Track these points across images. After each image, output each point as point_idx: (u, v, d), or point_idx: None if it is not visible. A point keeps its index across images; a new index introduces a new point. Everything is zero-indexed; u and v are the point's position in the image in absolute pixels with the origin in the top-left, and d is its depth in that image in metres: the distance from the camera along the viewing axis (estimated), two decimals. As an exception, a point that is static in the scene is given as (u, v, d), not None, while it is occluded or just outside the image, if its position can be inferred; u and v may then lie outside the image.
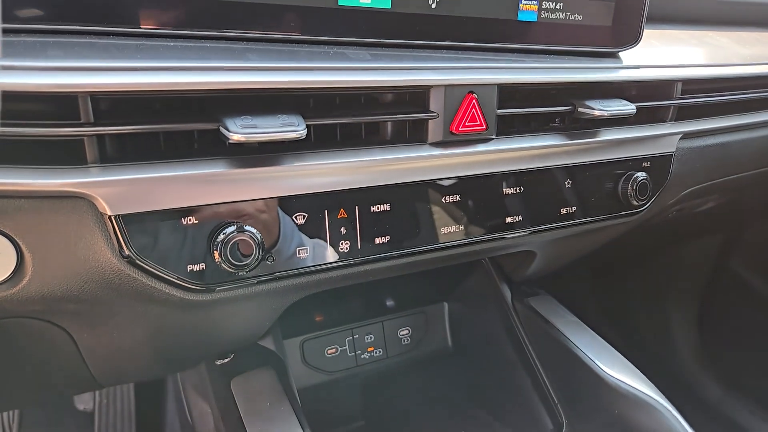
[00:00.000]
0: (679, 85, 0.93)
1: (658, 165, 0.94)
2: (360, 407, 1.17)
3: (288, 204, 0.66)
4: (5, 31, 0.53)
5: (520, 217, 0.83)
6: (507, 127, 0.79)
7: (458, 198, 0.77)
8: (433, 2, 0.71)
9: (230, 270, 0.63)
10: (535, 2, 0.77)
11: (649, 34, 0.93)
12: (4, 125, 0.51)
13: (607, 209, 0.91)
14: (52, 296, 0.62)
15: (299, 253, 0.68)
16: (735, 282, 1.76)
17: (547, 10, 0.78)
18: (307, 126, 0.61)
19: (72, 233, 0.58)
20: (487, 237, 0.81)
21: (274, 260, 0.67)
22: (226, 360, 0.91)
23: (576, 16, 0.81)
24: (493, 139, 0.76)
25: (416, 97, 0.71)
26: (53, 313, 0.68)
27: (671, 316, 1.87)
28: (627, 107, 0.82)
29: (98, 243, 0.59)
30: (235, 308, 0.76)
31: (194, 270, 0.63)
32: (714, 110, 1.00)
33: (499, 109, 0.75)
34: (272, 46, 0.65)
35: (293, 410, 0.82)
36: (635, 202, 0.90)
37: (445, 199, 0.76)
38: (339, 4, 0.66)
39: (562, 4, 0.79)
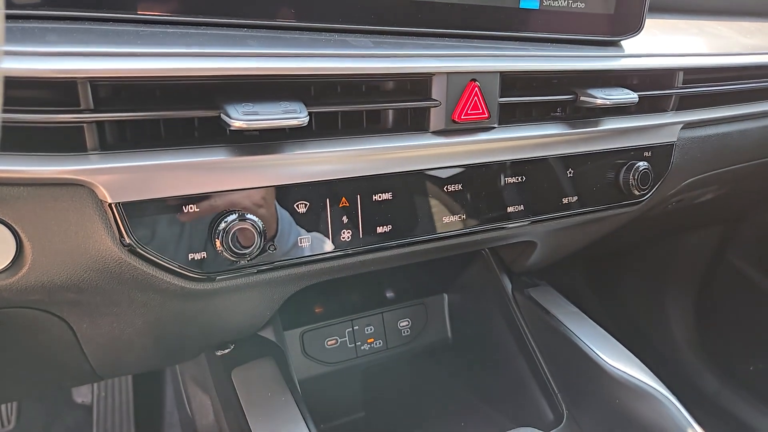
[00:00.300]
0: (681, 74, 0.92)
1: (660, 155, 0.94)
2: (360, 398, 1.17)
3: (289, 192, 0.66)
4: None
5: (522, 207, 0.83)
6: (509, 116, 0.79)
7: (460, 187, 0.76)
8: (436, -11, 0.70)
9: (232, 259, 0.63)
10: (538, -10, 0.76)
11: (650, 23, 0.92)
12: (3, 112, 0.50)
13: (608, 199, 0.91)
14: (52, 285, 0.61)
15: (301, 242, 0.68)
16: (733, 274, 1.77)
17: (549, -3, 0.78)
18: (309, 113, 0.61)
19: (72, 221, 0.57)
20: (488, 226, 0.81)
21: (275, 249, 0.66)
22: (226, 351, 0.91)
23: (578, 4, 0.80)
24: (495, 127, 0.76)
25: (418, 84, 0.71)
26: (53, 303, 0.68)
27: (669, 307, 1.88)
28: (629, 96, 0.82)
29: (98, 231, 0.58)
30: (235, 298, 0.75)
31: (195, 258, 0.62)
32: (715, 100, 1.00)
33: (501, 97, 0.74)
34: (273, 33, 0.64)
35: (294, 400, 0.81)
36: (636, 192, 0.90)
37: (446, 188, 0.76)
38: (341, -10, 0.65)
39: (564, -9, 0.79)
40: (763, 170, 1.22)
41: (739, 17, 1.23)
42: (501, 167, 0.79)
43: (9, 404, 1.56)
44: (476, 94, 0.72)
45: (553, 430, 0.95)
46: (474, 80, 0.71)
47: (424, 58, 0.68)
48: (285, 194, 0.66)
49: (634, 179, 0.89)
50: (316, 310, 1.15)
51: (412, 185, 0.73)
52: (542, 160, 0.82)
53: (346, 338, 1.16)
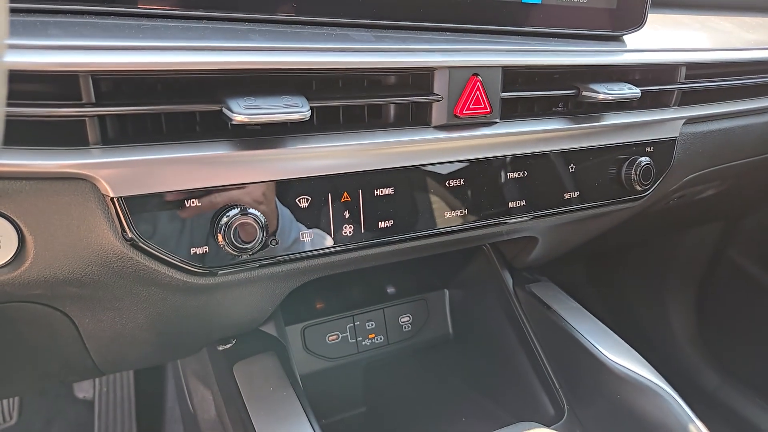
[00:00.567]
0: (683, 69, 0.92)
1: (662, 150, 0.94)
2: (361, 393, 1.18)
3: (291, 187, 0.66)
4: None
5: (523, 202, 0.83)
6: (511, 111, 0.79)
7: (462, 182, 0.76)
8: (438, -17, 0.70)
9: (234, 253, 0.63)
10: (540, -16, 0.76)
11: (652, 18, 0.92)
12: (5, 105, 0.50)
13: (610, 194, 0.91)
14: (55, 280, 0.61)
15: (302, 237, 0.68)
16: (733, 270, 1.77)
17: (551, -8, 0.77)
18: (311, 108, 0.61)
19: (74, 215, 0.57)
20: (490, 221, 0.81)
21: (277, 244, 0.66)
22: (228, 345, 0.91)
23: (581, -2, 0.80)
24: (497, 122, 0.76)
25: (420, 79, 0.70)
26: (55, 298, 0.68)
27: (669, 303, 1.88)
28: (632, 91, 0.81)
29: (101, 225, 0.58)
30: (237, 293, 0.75)
31: (197, 253, 0.62)
32: (717, 95, 1.00)
33: (503, 92, 0.74)
34: (275, 27, 0.64)
35: (296, 395, 0.82)
36: (638, 187, 0.90)
37: (448, 183, 0.76)
38: (342, -16, 0.65)
39: (566, -14, 0.78)
40: (765, 166, 1.22)
41: (741, 12, 1.22)
42: (503, 162, 0.79)
43: (11, 399, 1.56)
44: (478, 89, 0.71)
45: (554, 425, 0.95)
46: (476, 75, 0.71)
47: (425, 52, 0.68)
48: (287, 189, 0.66)
49: (636, 174, 0.89)
50: (318, 306, 1.15)
51: (413, 180, 0.73)
52: (544, 155, 0.82)
53: (348, 333, 1.16)
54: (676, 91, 0.92)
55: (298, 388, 0.83)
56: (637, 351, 0.98)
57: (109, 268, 0.62)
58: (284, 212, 0.66)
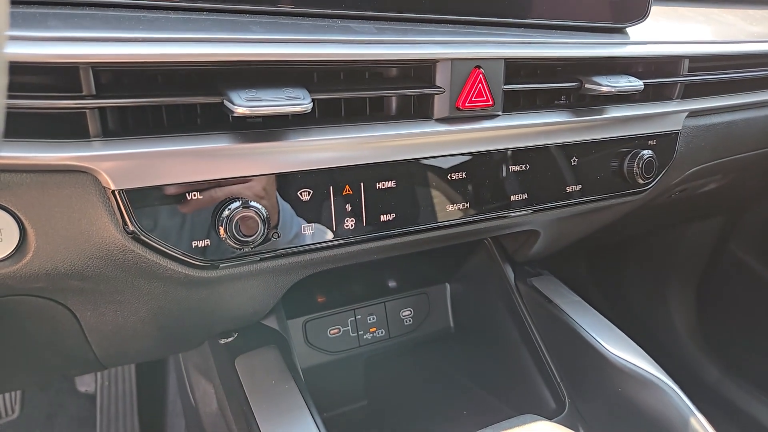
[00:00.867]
0: (686, 62, 0.92)
1: (664, 143, 0.93)
2: (362, 387, 1.18)
3: (293, 180, 0.65)
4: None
5: (525, 195, 0.82)
6: (513, 104, 0.79)
7: (464, 175, 0.76)
8: (440, -26, 0.69)
9: (235, 246, 0.63)
10: (543, -25, 0.76)
11: (656, 10, 0.91)
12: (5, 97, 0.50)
13: (612, 188, 0.91)
14: (56, 273, 0.61)
15: (304, 230, 0.68)
16: (735, 264, 1.77)
17: (554, -17, 0.77)
18: (312, 100, 0.60)
19: (75, 208, 0.57)
20: (492, 215, 0.80)
21: (279, 237, 0.66)
22: (229, 339, 0.91)
23: (583, -10, 0.80)
24: (499, 115, 0.75)
25: (422, 71, 0.70)
26: (57, 291, 0.68)
27: (671, 297, 1.88)
28: (634, 83, 0.81)
29: (102, 218, 0.58)
30: (239, 286, 0.75)
31: (199, 246, 0.62)
32: (720, 88, 1.00)
33: (505, 84, 0.74)
34: (276, 19, 0.64)
35: (298, 388, 0.82)
36: (641, 181, 0.89)
37: (450, 176, 0.75)
38: (344, -25, 0.65)
39: (569, -23, 0.78)
40: (767, 159, 1.22)
41: (744, 5, 1.22)
42: (505, 155, 0.79)
43: (13, 393, 1.57)
44: (480, 81, 0.71)
45: (555, 418, 0.95)
46: (478, 67, 0.70)
47: (428, 44, 0.68)
48: (288, 182, 0.65)
49: (638, 168, 0.88)
50: (319, 300, 1.15)
51: (415, 173, 0.73)
52: (546, 149, 0.82)
53: (349, 327, 1.16)
54: (679, 84, 0.92)
55: (299, 381, 0.83)
56: (637, 345, 0.98)
57: (111, 261, 0.61)
58: (286, 205, 0.66)
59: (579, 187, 0.87)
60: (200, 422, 1.08)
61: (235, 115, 0.56)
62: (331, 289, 1.17)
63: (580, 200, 0.88)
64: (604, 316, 1.04)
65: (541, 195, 0.84)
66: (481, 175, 0.78)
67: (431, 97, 0.70)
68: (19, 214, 0.56)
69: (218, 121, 0.63)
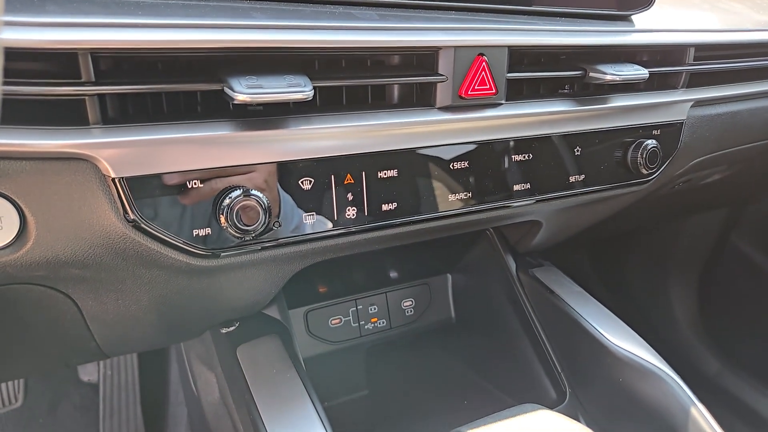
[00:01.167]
0: (692, 50, 0.91)
1: (669, 133, 0.92)
2: (363, 377, 1.18)
3: (294, 169, 0.65)
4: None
5: (528, 185, 0.82)
6: (516, 92, 0.78)
7: (466, 164, 0.75)
8: (443, -40, 0.68)
9: (236, 235, 0.62)
10: (548, -38, 0.75)
11: (661, -2, 0.90)
12: (3, 84, 0.49)
13: (615, 178, 0.90)
14: (57, 261, 0.61)
15: (306, 219, 0.67)
16: (736, 256, 1.76)
17: (559, -30, 0.76)
18: (314, 88, 0.60)
19: (75, 196, 0.57)
20: (494, 204, 0.80)
21: (280, 226, 0.66)
22: (231, 328, 0.91)
23: (589, -23, 0.79)
24: (502, 104, 0.75)
25: (425, 59, 0.69)
26: (58, 280, 0.68)
27: (672, 289, 1.88)
28: (639, 72, 0.80)
29: (102, 206, 0.58)
30: (240, 275, 0.75)
31: (200, 235, 0.62)
32: (726, 77, 0.99)
33: (509, 72, 0.73)
34: (278, 5, 0.63)
35: (299, 377, 0.82)
36: (645, 171, 0.89)
37: (452, 166, 0.75)
38: (346, -39, 0.64)
39: (574, -36, 0.77)
40: (771, 150, 1.21)
41: (751, -7, 1.20)
42: (507, 144, 0.78)
43: (16, 382, 1.58)
44: (483, 69, 0.70)
45: (555, 407, 0.95)
46: (481, 54, 0.70)
47: (430, 31, 0.67)
48: (290, 170, 0.65)
49: (642, 158, 0.88)
50: (320, 290, 1.15)
51: (417, 162, 0.72)
52: (549, 138, 0.81)
53: (350, 317, 1.16)
54: (684, 73, 0.91)
55: (301, 370, 0.83)
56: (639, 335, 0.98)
57: (112, 249, 0.61)
58: (287, 194, 0.66)
59: (582, 177, 0.87)
60: (202, 411, 1.08)
61: (235, 102, 0.56)
62: (332, 279, 1.17)
63: (583, 190, 0.88)
64: (606, 307, 1.04)
65: (543, 185, 0.84)
66: (483, 165, 0.77)
67: (434, 85, 0.70)
68: (18, 202, 0.56)
69: (219, 109, 0.62)
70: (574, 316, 1.00)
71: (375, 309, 1.19)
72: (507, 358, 1.11)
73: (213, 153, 0.60)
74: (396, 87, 0.71)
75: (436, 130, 0.72)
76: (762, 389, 1.70)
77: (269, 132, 0.62)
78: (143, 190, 0.58)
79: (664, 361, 0.92)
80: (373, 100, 0.71)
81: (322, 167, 0.67)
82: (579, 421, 0.95)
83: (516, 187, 0.81)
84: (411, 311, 1.22)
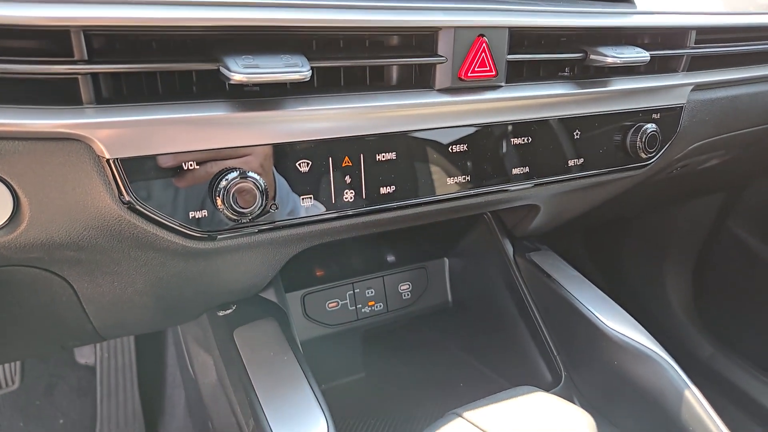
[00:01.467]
0: (693, 33, 0.90)
1: (668, 117, 0.92)
2: (360, 360, 1.19)
3: (291, 150, 0.64)
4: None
5: (527, 169, 0.81)
6: (516, 75, 0.77)
7: (465, 147, 0.75)
8: (443, -62, 0.67)
9: (233, 217, 0.62)
10: (550, -60, 0.73)
11: (663, -21, 0.89)
12: (-6, 61, 0.49)
13: (614, 162, 0.90)
14: (52, 243, 0.60)
15: (303, 202, 0.67)
16: (731, 241, 1.77)
17: (561, -51, 0.75)
18: (311, 68, 0.59)
19: (69, 177, 0.56)
20: (493, 188, 0.79)
21: (277, 208, 0.65)
22: (228, 311, 0.91)
23: (591, -43, 0.77)
24: (502, 86, 0.74)
25: (424, 39, 0.68)
26: (53, 262, 0.67)
27: (667, 274, 1.89)
28: (640, 55, 0.79)
29: (97, 188, 0.57)
30: (237, 258, 0.75)
31: (196, 217, 0.61)
32: (727, 61, 0.98)
33: (509, 54, 0.72)
34: (274, -17, 0.62)
35: (296, 360, 0.82)
36: (643, 155, 0.88)
37: (451, 149, 0.74)
38: (344, -63, 0.62)
39: (577, -57, 0.75)
40: (769, 136, 1.21)
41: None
42: (507, 127, 0.78)
43: (12, 364, 1.58)
44: (484, 51, 0.69)
45: (551, 390, 0.96)
46: (482, 35, 0.69)
47: (430, 11, 0.66)
48: (287, 152, 0.64)
49: (641, 142, 0.87)
50: (318, 273, 1.15)
51: (416, 145, 0.72)
52: (548, 121, 0.81)
53: (347, 301, 1.16)
54: (685, 56, 0.90)
55: (298, 353, 0.84)
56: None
57: (107, 231, 0.61)
58: (284, 177, 0.65)
59: (581, 161, 0.86)
60: (200, 393, 1.09)
61: (231, 82, 0.55)
62: (329, 262, 1.17)
63: (581, 174, 0.87)
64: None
65: (542, 168, 0.83)
66: (482, 148, 0.76)
67: (433, 66, 0.69)
68: (12, 183, 0.55)
69: (215, 90, 0.61)
70: (570, 300, 1.00)
71: (372, 293, 1.19)
72: (503, 341, 1.12)
73: (209, 134, 0.60)
74: (395, 68, 0.70)
75: (435, 112, 0.71)
76: (754, 373, 1.72)
77: (266, 113, 0.61)
78: (138, 171, 0.57)
79: (659, 345, 0.93)
80: (372, 82, 0.70)
81: (320, 149, 0.66)
82: (574, 403, 0.96)
83: (514, 171, 0.81)
84: (408, 295, 1.23)
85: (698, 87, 0.94)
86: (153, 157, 0.57)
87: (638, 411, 0.89)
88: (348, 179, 0.69)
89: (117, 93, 0.58)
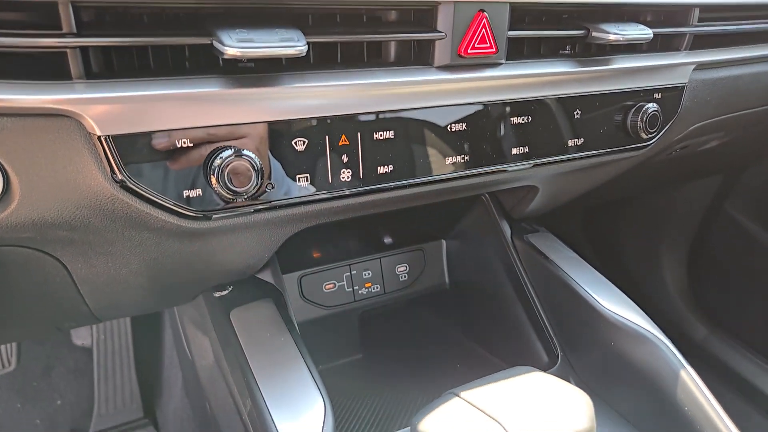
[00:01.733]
0: (697, 11, 0.88)
1: (670, 97, 0.91)
2: (357, 341, 1.19)
3: (287, 128, 0.63)
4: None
5: (527, 149, 0.80)
6: (517, 52, 0.76)
7: (464, 126, 0.74)
8: None
9: (228, 196, 0.61)
10: None
11: (667, -45, 0.87)
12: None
13: (614, 142, 0.89)
14: (43, 223, 0.59)
15: (299, 181, 0.66)
16: (728, 224, 1.77)
17: None
18: (307, 44, 0.57)
19: (60, 155, 0.55)
20: (492, 168, 0.78)
21: (272, 188, 0.64)
22: (224, 292, 0.90)
23: (594, -70, 0.75)
24: (502, 63, 0.73)
25: (423, 14, 0.67)
26: (46, 242, 0.66)
27: (663, 257, 1.90)
28: (643, 32, 0.78)
29: (88, 166, 0.56)
30: (233, 238, 0.74)
31: (190, 196, 0.60)
32: (729, 40, 0.96)
33: (510, 30, 0.70)
34: (268, -46, 0.60)
35: (293, 340, 0.82)
36: (644, 135, 0.87)
37: (450, 128, 0.73)
38: None
39: None
40: (770, 117, 1.20)
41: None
42: (506, 106, 0.76)
43: (9, 346, 1.58)
44: (484, 26, 0.68)
45: (547, 371, 0.96)
46: (482, 11, 0.67)
47: (429, -15, 0.64)
48: (282, 130, 0.63)
49: (642, 122, 0.86)
50: (315, 255, 1.15)
51: (414, 124, 0.70)
52: (549, 100, 0.79)
53: (344, 282, 1.16)
54: (688, 35, 0.89)
55: (295, 333, 0.83)
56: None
57: (99, 211, 0.60)
58: (280, 155, 0.64)
59: (581, 141, 0.85)
60: (197, 375, 1.09)
61: (225, 57, 0.53)
62: (326, 244, 1.16)
63: (581, 155, 0.86)
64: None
65: (541, 149, 0.82)
66: (481, 127, 0.75)
67: (432, 42, 0.67)
68: (1, 161, 0.53)
69: (208, 65, 0.60)
70: (567, 281, 1.00)
71: (369, 274, 1.18)
72: (500, 323, 1.12)
73: (203, 111, 0.58)
74: (393, 44, 0.68)
75: (433, 90, 0.70)
76: (748, 355, 1.74)
77: (261, 89, 0.60)
78: (130, 149, 0.56)
79: (656, 326, 0.93)
80: (369, 59, 0.68)
81: (316, 127, 0.65)
82: (570, 383, 0.96)
83: (513, 151, 0.80)
84: (405, 276, 1.22)
85: (700, 66, 0.93)
86: (145, 135, 0.56)
87: (634, 391, 0.90)
88: (345, 158, 0.68)
89: (107, 68, 0.56)
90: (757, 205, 1.70)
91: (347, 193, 0.70)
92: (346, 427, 0.97)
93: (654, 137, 0.90)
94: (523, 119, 0.78)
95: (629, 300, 0.97)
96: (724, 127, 1.13)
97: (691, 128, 1.02)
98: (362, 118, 0.67)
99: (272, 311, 0.86)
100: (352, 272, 1.17)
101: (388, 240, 1.23)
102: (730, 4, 0.93)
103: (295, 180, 0.66)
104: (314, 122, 0.64)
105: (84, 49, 0.53)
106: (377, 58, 0.69)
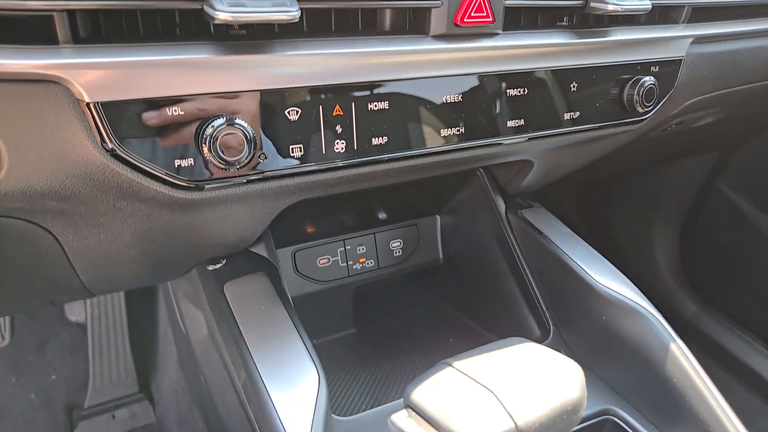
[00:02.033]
0: (696, -18, 0.87)
1: (667, 70, 0.90)
2: (351, 316, 1.19)
3: (280, 97, 0.62)
4: None
5: (522, 122, 0.80)
6: (514, 23, 0.74)
7: (459, 98, 0.73)
8: None
9: (220, 166, 0.60)
10: None
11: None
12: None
13: (610, 116, 0.88)
14: (33, 192, 0.58)
15: (292, 152, 0.65)
16: (720, 202, 1.78)
17: None
18: (300, 10, 0.56)
19: (49, 123, 0.54)
20: (487, 141, 0.78)
21: (265, 158, 0.64)
22: (218, 266, 0.90)
23: None
24: (498, 34, 0.71)
25: (419, -19, 0.65)
26: (36, 213, 0.65)
27: (655, 235, 1.91)
28: (642, 3, 0.77)
29: (78, 134, 0.55)
30: (226, 210, 0.73)
31: (182, 165, 0.60)
32: (728, 13, 0.95)
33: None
34: None
35: (287, 313, 0.82)
36: (640, 109, 0.87)
37: (445, 99, 0.72)
38: None
39: None
40: (767, 93, 1.19)
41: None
42: (502, 78, 0.75)
43: (2, 321, 1.57)
44: (481, -6, 0.66)
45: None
46: (479, -22, 0.66)
47: (426, -50, 0.63)
48: (275, 99, 0.62)
49: (638, 95, 0.86)
50: (309, 230, 1.14)
51: (409, 95, 0.70)
52: (545, 72, 0.79)
53: (338, 257, 1.16)
54: (686, 7, 0.87)
55: (289, 307, 0.83)
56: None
57: (90, 180, 0.59)
58: (272, 125, 0.63)
59: (577, 114, 0.85)
60: (191, 349, 1.09)
61: (216, 22, 0.52)
62: (320, 219, 1.16)
63: (576, 128, 0.86)
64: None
65: (537, 122, 0.81)
66: (477, 99, 0.74)
67: (428, 10, 0.66)
68: (-13, 128, 0.52)
69: (199, 32, 0.58)
70: (561, 256, 1.00)
71: (363, 249, 1.18)
72: (493, 297, 1.13)
73: (194, 78, 0.57)
74: (388, 12, 0.67)
75: (429, 59, 0.69)
76: (736, 331, 1.76)
77: (253, 57, 0.58)
78: (121, 116, 0.55)
79: (648, 300, 0.94)
80: (364, 27, 0.67)
81: (310, 97, 0.64)
82: (561, 355, 0.98)
83: (509, 124, 0.79)
84: (399, 252, 1.23)
85: (698, 40, 0.92)
86: (135, 102, 0.55)
87: (624, 364, 0.91)
88: (339, 129, 0.67)
89: (95, 33, 0.55)
90: (750, 183, 1.71)
91: (341, 165, 0.69)
92: (340, 398, 0.98)
93: (650, 111, 0.90)
94: (519, 91, 0.78)
95: (622, 275, 0.97)
96: (720, 102, 1.13)
97: (688, 103, 1.01)
98: (356, 88, 0.66)
99: (266, 284, 0.86)
100: (347, 247, 1.17)
101: (382, 215, 1.22)
102: (729, -25, 0.92)
103: (288, 150, 0.65)
104: (307, 91, 0.63)
105: (71, 12, 0.51)
106: (372, 27, 0.67)
